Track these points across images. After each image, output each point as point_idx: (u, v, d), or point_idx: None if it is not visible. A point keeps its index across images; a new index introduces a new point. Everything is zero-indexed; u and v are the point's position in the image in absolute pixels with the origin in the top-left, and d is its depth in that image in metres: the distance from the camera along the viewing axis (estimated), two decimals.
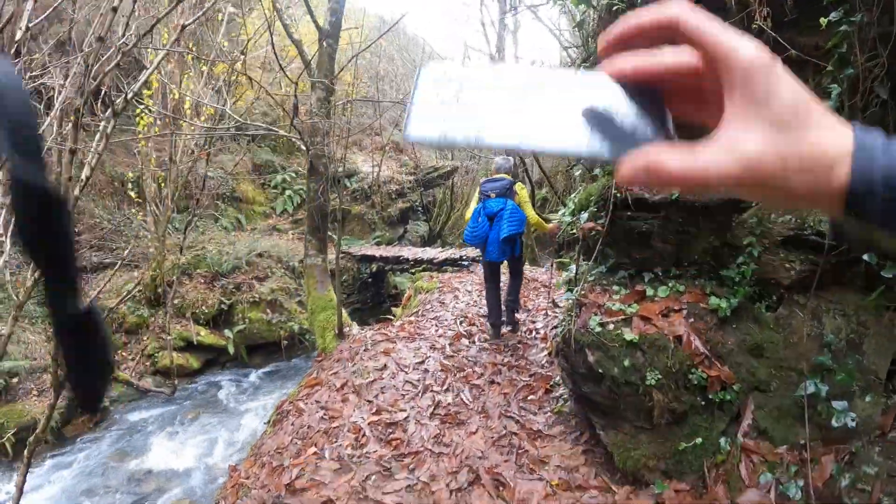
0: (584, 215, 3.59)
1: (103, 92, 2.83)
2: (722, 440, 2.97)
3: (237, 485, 3.73)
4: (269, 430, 4.62)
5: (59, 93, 4.08)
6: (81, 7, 8.51)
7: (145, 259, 10.82)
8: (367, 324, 8.01)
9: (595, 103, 0.42)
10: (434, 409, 4.23)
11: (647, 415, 3.07)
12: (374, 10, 26.40)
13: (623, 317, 3.25)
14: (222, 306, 10.67)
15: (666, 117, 0.43)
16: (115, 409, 8.46)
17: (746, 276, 3.20)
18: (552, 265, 7.48)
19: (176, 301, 10.19)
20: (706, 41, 0.41)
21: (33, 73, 3.97)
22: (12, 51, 3.32)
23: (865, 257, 2.77)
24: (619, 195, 3.37)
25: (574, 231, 3.73)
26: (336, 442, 3.89)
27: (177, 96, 9.77)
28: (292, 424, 4.35)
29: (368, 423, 4.06)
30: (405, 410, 4.23)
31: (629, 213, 3.41)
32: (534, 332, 5.80)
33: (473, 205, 5.28)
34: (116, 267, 2.99)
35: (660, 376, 2.99)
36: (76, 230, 10.46)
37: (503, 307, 5.70)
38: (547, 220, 5.43)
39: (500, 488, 3.29)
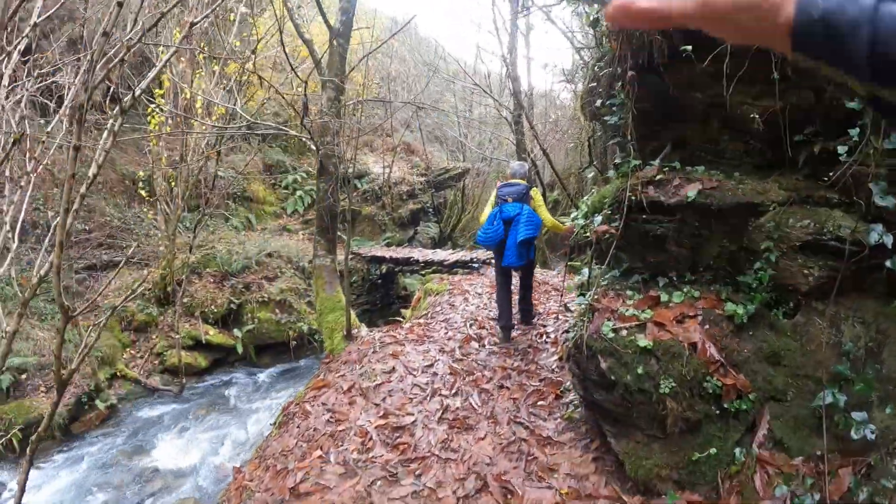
0: (598, 218, 3.52)
1: (111, 89, 2.80)
2: (736, 451, 2.88)
3: (241, 487, 3.69)
4: (274, 432, 4.58)
5: (69, 90, 4.07)
6: (93, 5, 8.55)
7: (155, 258, 10.86)
8: (375, 325, 7.97)
9: None
10: (442, 413, 4.17)
11: (660, 423, 3.00)
12: (387, 12, 26.42)
13: (637, 322, 3.18)
14: (231, 306, 10.69)
15: None
16: (122, 407, 8.49)
17: (763, 281, 3.12)
18: (563, 268, 7.41)
19: (185, 300, 10.22)
20: None
21: (43, 71, 3.95)
22: (21, 48, 3.31)
23: (888, 263, 2.69)
24: (633, 198, 3.30)
25: (587, 234, 3.66)
26: (342, 446, 3.84)
27: (188, 95, 9.80)
28: (298, 427, 4.31)
29: (375, 427, 4.00)
30: (413, 414, 4.17)
31: (644, 216, 3.34)
32: (544, 337, 5.73)
33: (488, 208, 5.37)
34: (120, 265, 2.95)
35: (674, 384, 2.91)
36: (86, 228, 10.52)
37: (515, 309, 5.70)
38: (561, 223, 5.46)
39: (508, 496, 3.22)
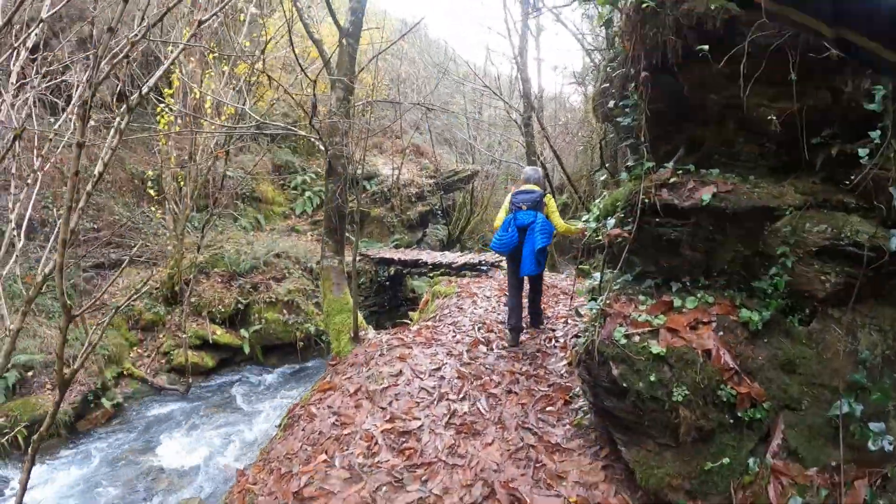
0: (611, 221, 3.46)
1: (118, 88, 2.77)
2: (750, 460, 2.81)
3: (244, 490, 3.65)
4: (279, 434, 4.54)
5: (78, 88, 4.05)
6: (103, 4, 8.58)
7: (163, 257, 10.88)
8: (383, 328, 7.93)
9: None
10: (449, 418, 4.11)
11: (672, 432, 2.93)
12: (397, 14, 26.46)
13: (649, 328, 3.11)
14: (239, 306, 10.70)
15: None
16: (129, 406, 8.49)
17: (779, 287, 3.05)
18: (573, 272, 7.35)
19: (193, 299, 10.23)
20: None
21: (52, 69, 3.94)
22: (30, 45, 3.29)
23: None
24: (647, 201, 3.24)
25: (599, 237, 3.60)
26: (347, 449, 3.78)
27: (198, 95, 9.82)
28: (303, 430, 4.26)
29: (381, 431, 3.95)
30: (419, 419, 4.11)
31: (657, 220, 3.27)
32: (553, 341, 5.67)
33: (502, 213, 5.40)
34: (124, 264, 2.93)
35: (687, 392, 2.84)
36: (95, 226, 10.55)
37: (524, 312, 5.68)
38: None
39: None
